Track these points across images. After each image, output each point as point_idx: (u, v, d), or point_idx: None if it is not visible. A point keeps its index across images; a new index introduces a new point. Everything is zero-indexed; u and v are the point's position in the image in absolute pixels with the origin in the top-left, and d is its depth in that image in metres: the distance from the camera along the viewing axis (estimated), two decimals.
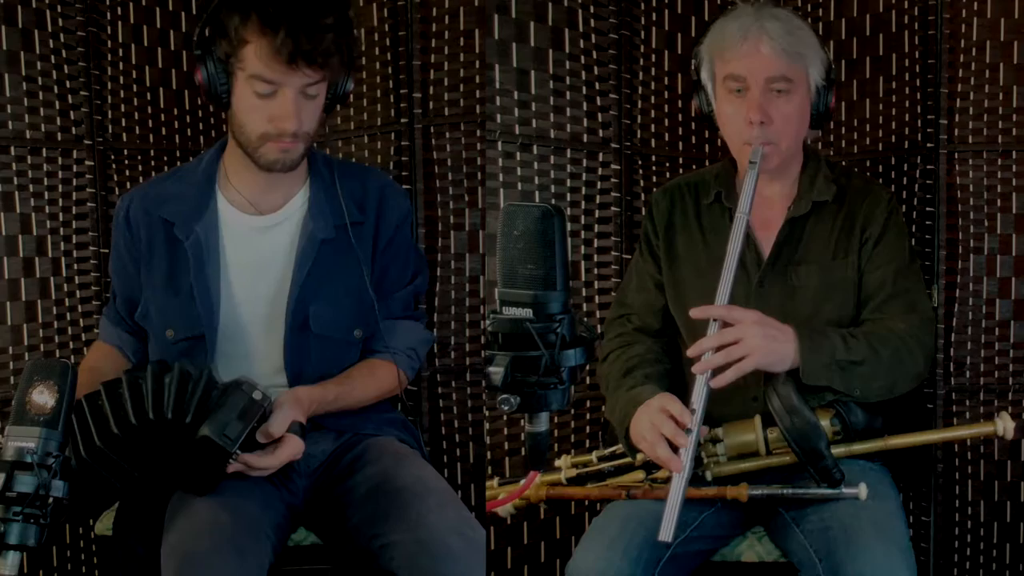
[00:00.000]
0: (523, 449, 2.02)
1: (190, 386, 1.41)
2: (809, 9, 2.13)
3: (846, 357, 1.54)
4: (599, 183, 2.10)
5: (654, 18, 2.14)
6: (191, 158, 2.16)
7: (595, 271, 2.11)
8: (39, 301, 2.03)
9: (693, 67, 1.71)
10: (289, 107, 1.55)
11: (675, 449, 1.49)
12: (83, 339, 2.09)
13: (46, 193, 2.04)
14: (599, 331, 1.89)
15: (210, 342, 1.64)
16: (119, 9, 2.11)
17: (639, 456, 1.64)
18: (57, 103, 2.04)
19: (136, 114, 2.15)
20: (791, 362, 1.52)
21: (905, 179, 2.02)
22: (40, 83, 2.01)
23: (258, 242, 1.68)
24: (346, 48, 1.57)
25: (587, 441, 2.12)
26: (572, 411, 2.11)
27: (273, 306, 1.66)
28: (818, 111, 1.66)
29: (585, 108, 2.07)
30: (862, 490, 1.50)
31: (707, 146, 2.22)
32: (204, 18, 1.56)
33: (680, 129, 2.19)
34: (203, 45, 1.56)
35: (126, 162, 2.13)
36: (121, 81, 2.12)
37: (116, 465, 1.42)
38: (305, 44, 1.50)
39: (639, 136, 2.14)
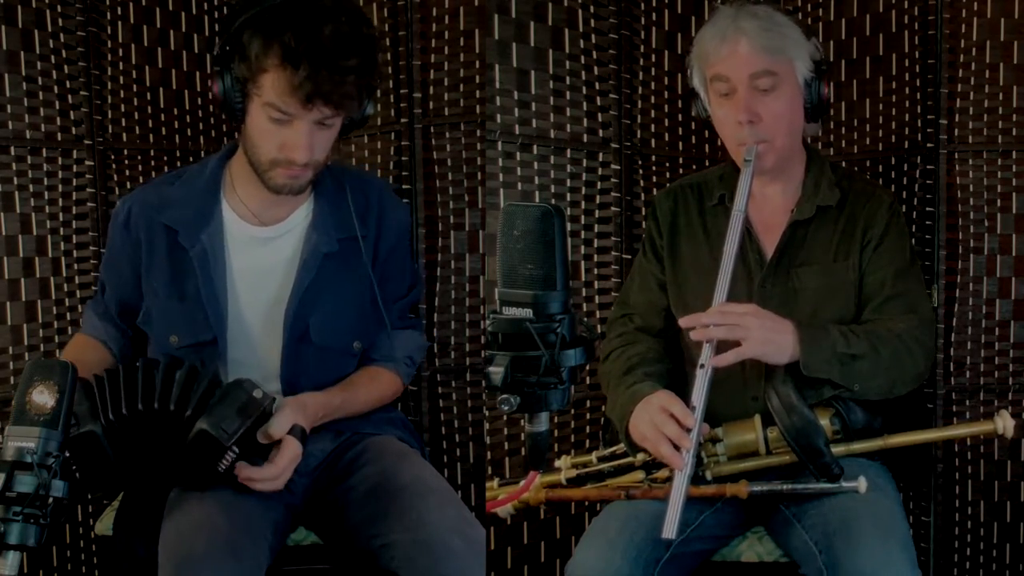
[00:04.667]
0: (523, 449, 2.01)
1: (196, 383, 1.43)
2: (809, 9, 2.13)
3: (846, 350, 1.54)
4: (599, 183, 2.10)
5: (654, 18, 2.14)
6: (191, 158, 2.17)
7: (595, 271, 2.10)
8: (39, 301, 2.03)
9: (688, 75, 1.71)
10: (302, 139, 1.51)
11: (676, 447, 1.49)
12: None
13: (46, 193, 2.03)
14: (599, 331, 1.89)
15: (222, 348, 1.63)
16: (119, 9, 2.11)
17: (639, 455, 1.64)
18: (57, 103, 2.04)
19: (136, 114, 2.14)
20: (790, 354, 1.53)
21: (905, 179, 2.02)
22: (40, 83, 2.01)
23: (260, 252, 1.67)
24: (367, 88, 1.53)
25: (587, 441, 2.12)
26: (572, 411, 2.11)
27: (273, 315, 1.65)
28: (811, 104, 1.66)
29: (585, 108, 2.07)
30: (861, 483, 1.50)
31: (707, 146, 2.22)
32: (225, 33, 1.51)
33: (680, 129, 2.19)
34: (221, 61, 1.51)
35: (126, 162, 2.13)
36: (121, 81, 2.12)
37: (100, 454, 1.42)
38: (325, 85, 1.45)
39: (639, 136, 2.14)
